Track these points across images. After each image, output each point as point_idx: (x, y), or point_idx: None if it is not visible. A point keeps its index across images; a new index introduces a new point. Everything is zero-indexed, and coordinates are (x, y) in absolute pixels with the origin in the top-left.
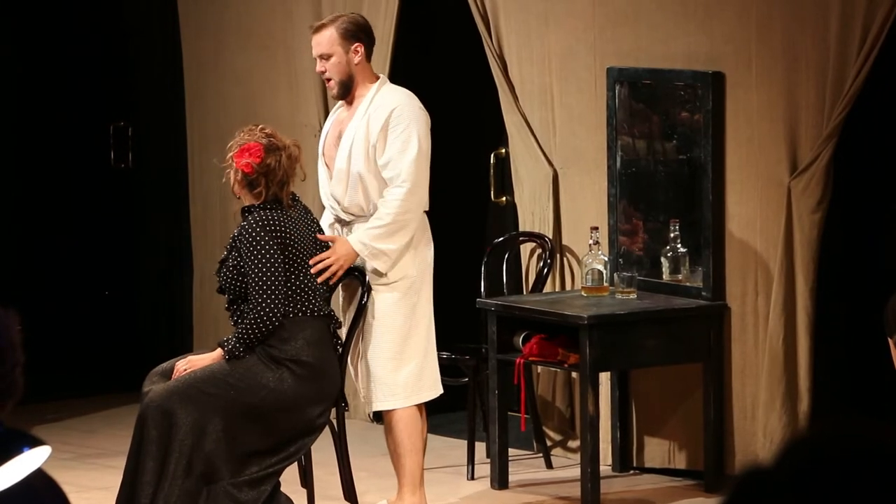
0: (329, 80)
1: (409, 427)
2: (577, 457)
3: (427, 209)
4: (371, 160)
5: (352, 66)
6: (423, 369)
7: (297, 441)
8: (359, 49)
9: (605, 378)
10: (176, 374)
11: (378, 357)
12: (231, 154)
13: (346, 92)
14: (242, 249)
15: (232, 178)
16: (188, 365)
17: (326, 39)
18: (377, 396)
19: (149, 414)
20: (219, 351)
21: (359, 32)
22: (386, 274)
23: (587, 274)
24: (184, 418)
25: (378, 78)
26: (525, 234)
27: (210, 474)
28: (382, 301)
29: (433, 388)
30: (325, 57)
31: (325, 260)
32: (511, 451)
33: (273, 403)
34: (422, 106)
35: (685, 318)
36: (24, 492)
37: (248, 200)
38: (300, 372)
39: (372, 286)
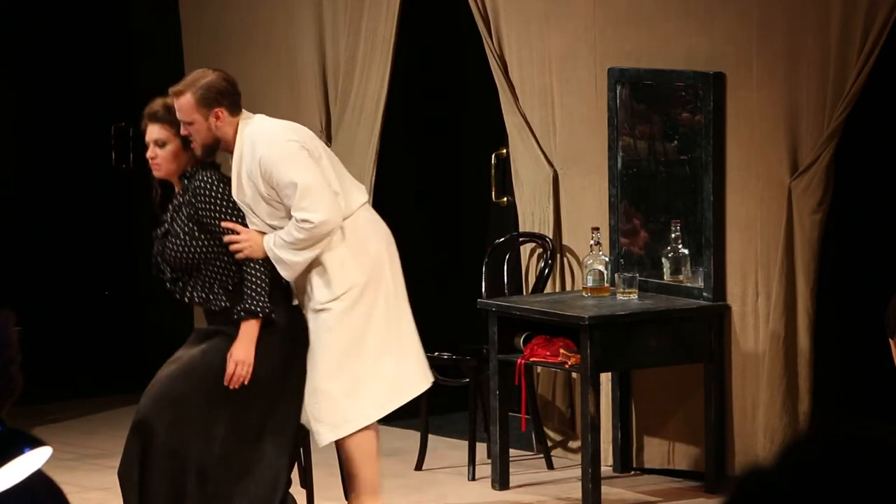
0: (192, 141)
1: (355, 439)
2: (577, 457)
3: (349, 214)
4: (273, 204)
5: (215, 129)
6: (358, 391)
7: (299, 403)
8: (219, 113)
9: (605, 378)
10: (234, 381)
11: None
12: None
13: (211, 153)
14: (221, 206)
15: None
16: (241, 368)
17: (184, 106)
18: (312, 428)
19: (155, 451)
20: (251, 325)
21: (218, 98)
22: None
23: (588, 274)
24: (189, 445)
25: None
26: (525, 234)
27: (234, 469)
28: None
29: (374, 410)
30: (186, 123)
31: (240, 234)
32: (512, 452)
33: (261, 371)
34: (278, 130)
35: (686, 319)
36: (23, 492)
37: (190, 164)
38: (276, 338)
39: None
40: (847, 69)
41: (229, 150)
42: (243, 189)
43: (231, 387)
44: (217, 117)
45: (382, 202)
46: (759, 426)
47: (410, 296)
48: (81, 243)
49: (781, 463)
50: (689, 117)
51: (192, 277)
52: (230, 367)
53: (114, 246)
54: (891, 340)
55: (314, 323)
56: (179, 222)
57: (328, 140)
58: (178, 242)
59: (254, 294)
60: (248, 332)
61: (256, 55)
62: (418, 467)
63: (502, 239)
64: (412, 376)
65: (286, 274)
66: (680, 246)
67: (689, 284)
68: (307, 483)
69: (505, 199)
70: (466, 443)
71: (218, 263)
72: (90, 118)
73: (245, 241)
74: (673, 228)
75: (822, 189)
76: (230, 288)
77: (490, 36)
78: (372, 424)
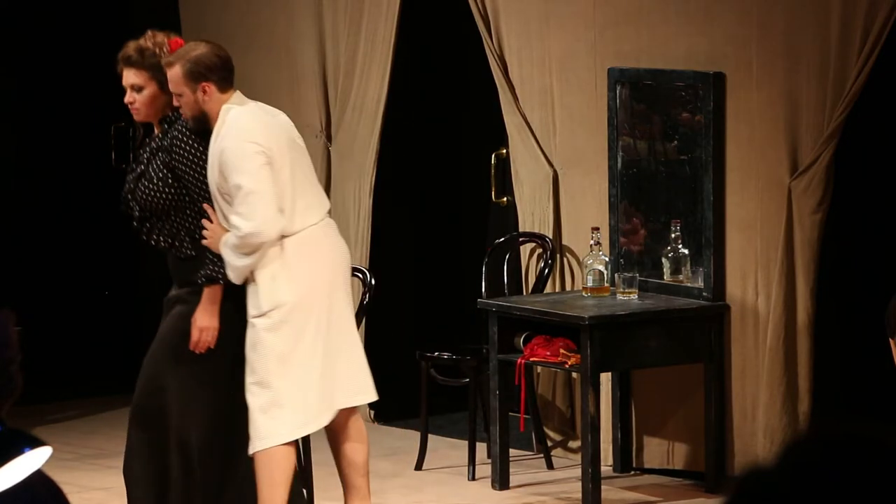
0: (182, 112)
1: (264, 459)
2: (577, 457)
3: (293, 232)
4: (225, 197)
5: (202, 104)
6: (275, 411)
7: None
8: (206, 88)
9: (605, 378)
10: (199, 347)
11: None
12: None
13: (202, 126)
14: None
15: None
16: (206, 334)
17: (174, 78)
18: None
19: (168, 439)
20: (213, 290)
21: (205, 72)
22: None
23: (588, 274)
24: (188, 425)
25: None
26: (525, 234)
27: (221, 452)
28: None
29: (288, 431)
30: (176, 95)
31: (212, 223)
32: (512, 452)
33: (228, 340)
34: (250, 129)
35: (686, 319)
36: (23, 492)
37: (171, 107)
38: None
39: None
40: (847, 69)
41: (212, 126)
42: (212, 170)
43: (197, 352)
44: (204, 92)
45: (382, 202)
46: (759, 426)
47: (411, 295)
48: (81, 243)
49: (781, 463)
50: (689, 117)
51: (160, 220)
52: (194, 335)
53: (114, 246)
54: (891, 340)
55: (248, 335)
56: (155, 166)
57: (328, 140)
58: (151, 186)
59: (216, 259)
60: (210, 297)
61: (257, 55)
62: (418, 467)
63: (502, 239)
64: (329, 405)
65: (230, 275)
66: (680, 246)
67: (689, 284)
68: (307, 483)
69: (505, 199)
70: (466, 443)
71: (188, 212)
72: (90, 118)
73: (210, 233)
74: (673, 228)
75: (822, 189)
76: (197, 237)
77: (490, 36)
78: (289, 450)
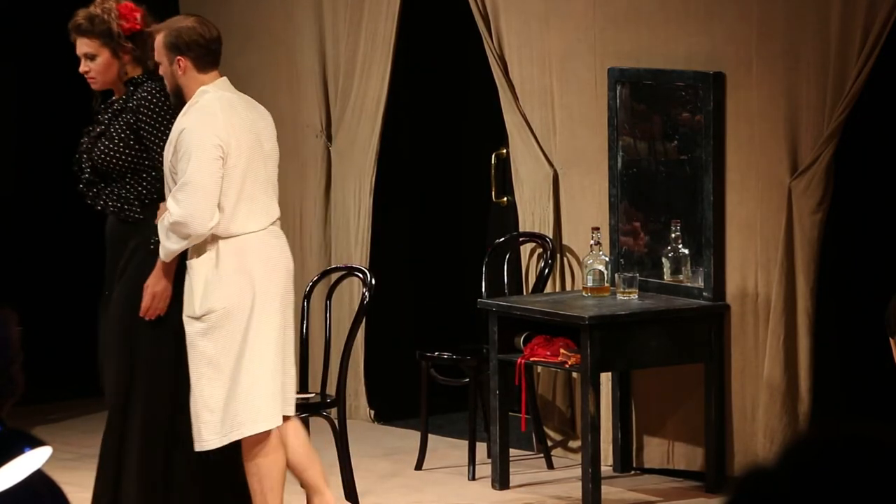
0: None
1: (253, 465)
2: (577, 457)
3: (229, 235)
4: (173, 176)
5: (177, 77)
6: (207, 415)
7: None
8: (181, 62)
9: (605, 378)
10: (150, 313)
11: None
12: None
13: (180, 101)
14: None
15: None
16: (157, 300)
17: (156, 46)
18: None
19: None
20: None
21: (182, 46)
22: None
23: (588, 274)
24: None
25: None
26: (526, 234)
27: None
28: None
29: (216, 438)
30: (158, 63)
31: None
32: (512, 452)
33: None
34: (214, 120)
35: (686, 319)
36: (23, 492)
37: (136, 71)
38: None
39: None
40: (847, 69)
41: (185, 103)
42: (168, 145)
43: (147, 318)
44: (179, 66)
45: (382, 202)
46: (759, 426)
47: (411, 295)
48: (81, 243)
49: (782, 463)
50: (689, 117)
51: (111, 183)
52: (146, 300)
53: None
54: (891, 340)
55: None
56: (117, 127)
57: (328, 140)
58: (112, 146)
59: None
60: (165, 263)
61: (256, 55)
62: (418, 467)
63: (502, 239)
64: (261, 414)
65: (161, 252)
66: (680, 246)
67: (689, 284)
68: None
69: (505, 199)
70: (466, 443)
71: (144, 175)
72: (90, 118)
73: (163, 208)
74: (673, 228)
75: (822, 189)
76: (146, 201)
77: (490, 35)
78: (277, 456)
